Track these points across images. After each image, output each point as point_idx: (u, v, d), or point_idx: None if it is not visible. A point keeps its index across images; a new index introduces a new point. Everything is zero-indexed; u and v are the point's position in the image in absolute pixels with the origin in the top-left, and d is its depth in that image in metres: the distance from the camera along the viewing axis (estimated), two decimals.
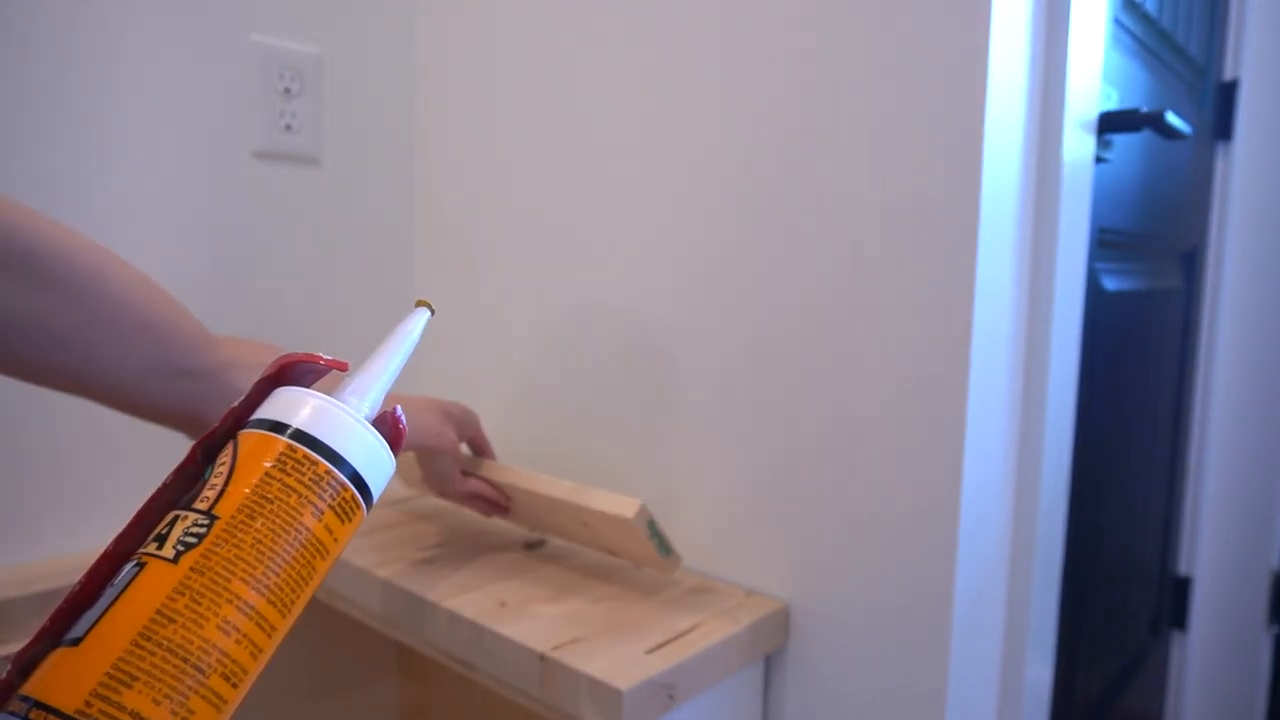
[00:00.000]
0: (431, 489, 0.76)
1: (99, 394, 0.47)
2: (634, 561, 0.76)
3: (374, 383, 0.33)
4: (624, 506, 0.65)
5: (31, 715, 0.22)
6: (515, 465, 0.77)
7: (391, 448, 0.31)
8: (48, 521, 0.75)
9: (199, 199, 0.82)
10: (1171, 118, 0.78)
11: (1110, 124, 0.77)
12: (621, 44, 0.77)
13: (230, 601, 0.25)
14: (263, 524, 0.26)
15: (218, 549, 0.25)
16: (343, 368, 0.31)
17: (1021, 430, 0.69)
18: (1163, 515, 1.21)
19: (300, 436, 0.28)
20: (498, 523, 0.87)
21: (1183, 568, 1.31)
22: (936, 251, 0.60)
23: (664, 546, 0.69)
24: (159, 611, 0.24)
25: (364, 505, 0.29)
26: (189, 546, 0.25)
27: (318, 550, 0.27)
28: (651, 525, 0.66)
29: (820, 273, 0.65)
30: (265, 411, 0.29)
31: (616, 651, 0.59)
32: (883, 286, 0.62)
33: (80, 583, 0.26)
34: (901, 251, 0.61)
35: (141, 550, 0.26)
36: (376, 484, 0.30)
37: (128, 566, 0.26)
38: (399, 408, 0.33)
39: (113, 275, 0.45)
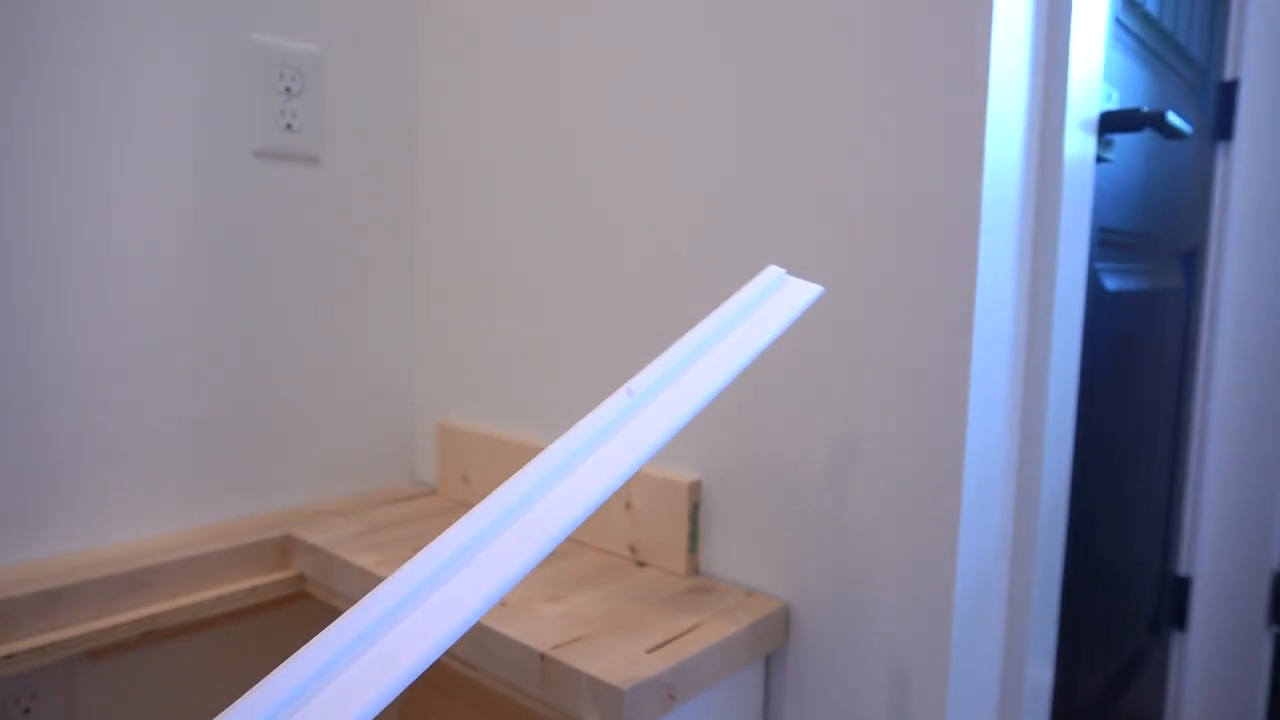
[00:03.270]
0: None
1: None
2: (651, 559, 0.76)
3: None
4: (681, 476, 0.69)
5: None
6: (514, 470, 0.77)
7: None
8: (48, 521, 0.75)
9: (199, 198, 0.82)
10: (1172, 117, 0.78)
11: (1111, 124, 0.77)
12: (622, 44, 0.77)
13: None
14: None
15: None
16: None
17: (1022, 430, 0.69)
18: (1163, 515, 1.21)
19: None
20: None
21: (1183, 568, 1.31)
22: (937, 251, 0.60)
23: (693, 540, 0.70)
24: None
25: None
26: None
27: None
28: (695, 510, 0.69)
29: (820, 273, 0.65)
30: None
31: (616, 651, 0.59)
32: (883, 286, 0.62)
33: None
34: (902, 251, 0.61)
35: None
36: None
37: None
38: None
39: None
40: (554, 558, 0.78)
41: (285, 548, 0.84)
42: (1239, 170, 1.24)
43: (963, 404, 0.59)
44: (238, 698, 0.27)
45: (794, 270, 0.67)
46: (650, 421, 0.37)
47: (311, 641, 0.28)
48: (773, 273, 0.47)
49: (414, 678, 0.28)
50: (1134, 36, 0.88)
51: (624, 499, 0.77)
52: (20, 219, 0.72)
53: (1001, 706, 0.71)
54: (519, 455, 0.87)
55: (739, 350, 0.42)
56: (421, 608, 0.29)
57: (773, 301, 0.46)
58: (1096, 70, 0.71)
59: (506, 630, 0.62)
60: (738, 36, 0.69)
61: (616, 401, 0.38)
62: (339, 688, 0.27)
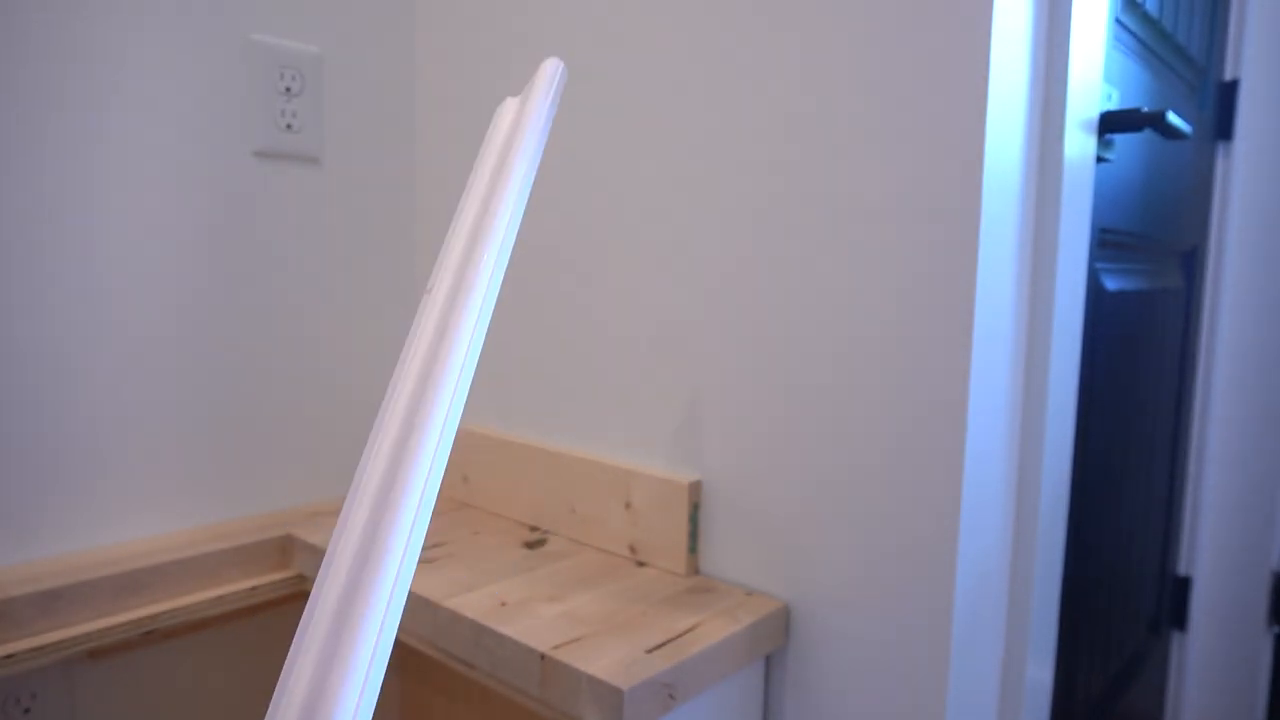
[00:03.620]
0: None
1: None
2: (651, 559, 0.76)
3: None
4: (681, 476, 0.69)
5: None
6: (518, 472, 0.77)
7: None
8: (48, 521, 0.75)
9: (199, 198, 0.82)
10: (1172, 117, 0.78)
11: (1111, 124, 0.77)
12: (622, 45, 0.77)
13: None
14: None
15: None
16: None
17: (1022, 430, 0.69)
18: (1163, 515, 1.21)
19: None
20: (498, 522, 0.87)
21: (1183, 568, 1.31)
22: (937, 251, 0.60)
23: (693, 540, 0.70)
24: None
25: None
26: None
27: None
28: (695, 510, 0.69)
29: (820, 273, 0.65)
30: None
31: (616, 651, 0.59)
32: (883, 287, 0.62)
33: None
34: (902, 252, 0.61)
35: None
36: None
37: None
38: None
39: None
40: (554, 558, 0.78)
41: (285, 548, 0.84)
42: (1239, 170, 1.24)
43: (963, 404, 0.59)
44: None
45: (794, 268, 0.67)
46: (461, 290, 0.34)
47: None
48: (508, 105, 0.43)
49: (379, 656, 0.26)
50: (1134, 36, 0.88)
51: (624, 499, 0.77)
52: (19, 219, 0.72)
53: (1001, 706, 0.71)
54: (518, 455, 0.87)
55: (507, 192, 0.39)
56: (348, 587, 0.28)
57: (505, 126, 0.42)
58: (1096, 70, 0.71)
59: (506, 630, 0.62)
60: (739, 39, 0.69)
61: (421, 308, 0.36)
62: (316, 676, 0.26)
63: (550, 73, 0.42)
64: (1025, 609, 0.70)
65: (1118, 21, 0.83)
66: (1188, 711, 1.34)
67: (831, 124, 0.64)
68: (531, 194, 0.87)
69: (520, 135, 0.40)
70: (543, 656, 0.59)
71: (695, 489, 0.73)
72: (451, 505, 0.93)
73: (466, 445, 0.93)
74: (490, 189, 0.38)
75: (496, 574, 0.73)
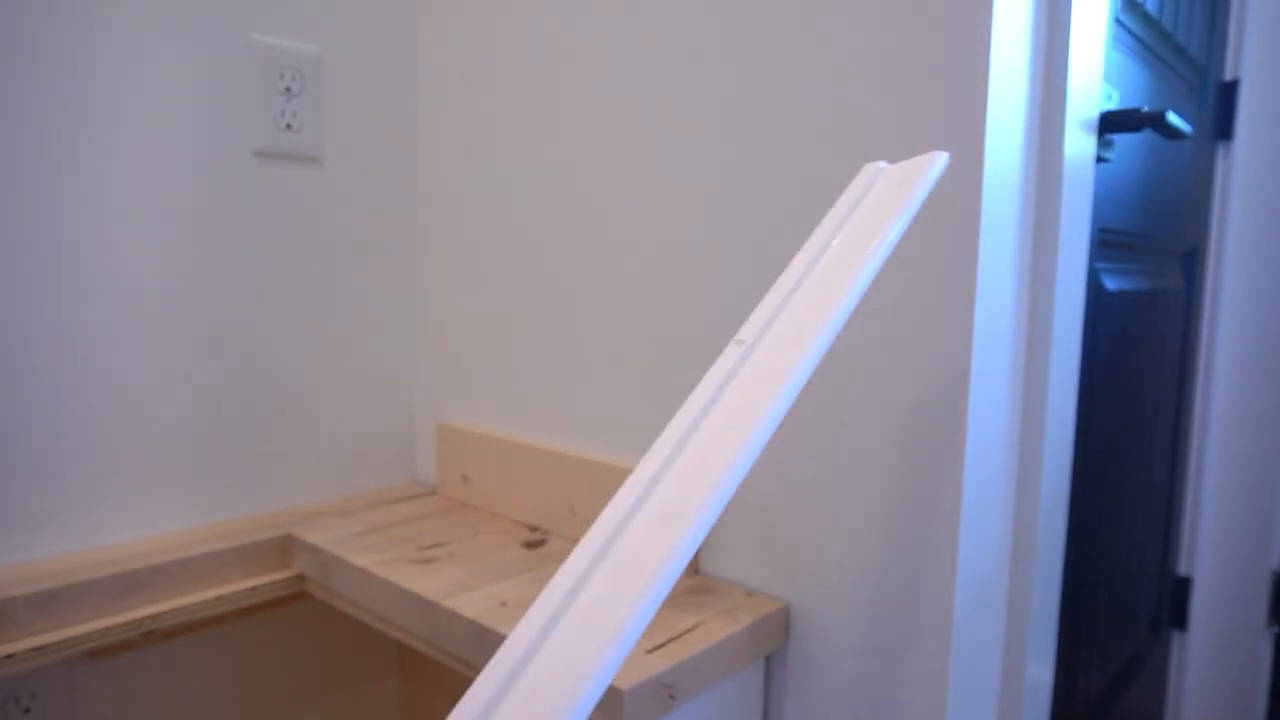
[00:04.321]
0: None
1: None
2: None
3: None
4: None
5: None
6: (518, 472, 0.77)
7: None
8: (48, 521, 0.75)
9: (199, 198, 0.82)
10: (1172, 117, 0.78)
11: (1111, 124, 0.77)
12: (622, 40, 0.77)
13: None
14: None
15: None
16: None
17: (1022, 430, 0.69)
18: (1163, 515, 1.21)
19: None
20: (498, 522, 0.87)
21: (1183, 568, 1.31)
22: (937, 251, 0.60)
23: None
24: None
25: None
26: None
27: None
28: None
29: None
30: None
31: None
32: (883, 287, 0.62)
33: None
34: (901, 252, 0.61)
35: None
36: None
37: None
38: None
39: None
40: (554, 558, 0.78)
41: (285, 548, 0.84)
42: (1239, 170, 1.24)
43: (963, 404, 0.59)
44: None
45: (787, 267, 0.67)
46: (771, 362, 0.33)
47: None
48: (872, 169, 0.41)
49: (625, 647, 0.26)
50: (1134, 36, 0.88)
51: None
52: (21, 219, 0.72)
53: (1001, 706, 0.71)
54: (519, 455, 0.87)
55: (857, 259, 0.36)
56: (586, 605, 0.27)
57: (879, 194, 0.39)
58: (1096, 70, 0.71)
59: (506, 630, 0.62)
60: (739, 37, 0.69)
61: (727, 357, 0.34)
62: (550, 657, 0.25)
63: (935, 164, 0.41)
64: (1025, 609, 0.70)
65: (1118, 21, 0.83)
66: (1188, 711, 1.34)
67: (831, 124, 0.64)
68: (529, 192, 0.87)
69: (892, 220, 0.38)
70: None
71: None
72: (451, 505, 0.93)
73: (466, 445, 0.93)
74: (847, 263, 0.36)
75: (496, 574, 0.73)
